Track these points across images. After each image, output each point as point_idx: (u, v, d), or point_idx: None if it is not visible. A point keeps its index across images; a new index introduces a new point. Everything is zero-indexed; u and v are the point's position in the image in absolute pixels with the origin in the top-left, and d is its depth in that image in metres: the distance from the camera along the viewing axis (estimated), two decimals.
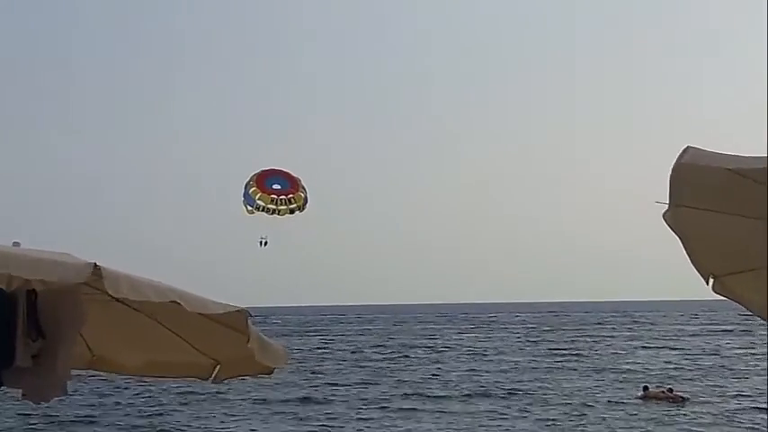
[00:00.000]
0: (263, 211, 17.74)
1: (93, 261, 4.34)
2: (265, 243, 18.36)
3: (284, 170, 18.67)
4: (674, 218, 4.42)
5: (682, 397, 29.29)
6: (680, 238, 4.50)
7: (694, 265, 4.62)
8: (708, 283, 4.73)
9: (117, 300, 4.98)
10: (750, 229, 4.42)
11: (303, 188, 18.26)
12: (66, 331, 5.12)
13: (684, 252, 4.55)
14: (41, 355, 5.03)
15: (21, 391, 5.24)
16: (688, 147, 4.26)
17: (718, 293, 4.83)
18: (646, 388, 30.71)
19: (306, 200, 18.18)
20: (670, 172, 4.26)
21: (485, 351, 54.76)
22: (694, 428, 24.35)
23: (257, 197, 17.74)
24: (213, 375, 5.76)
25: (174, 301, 4.50)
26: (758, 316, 5.06)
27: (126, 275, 4.46)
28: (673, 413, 26.71)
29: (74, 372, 5.42)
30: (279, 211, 17.77)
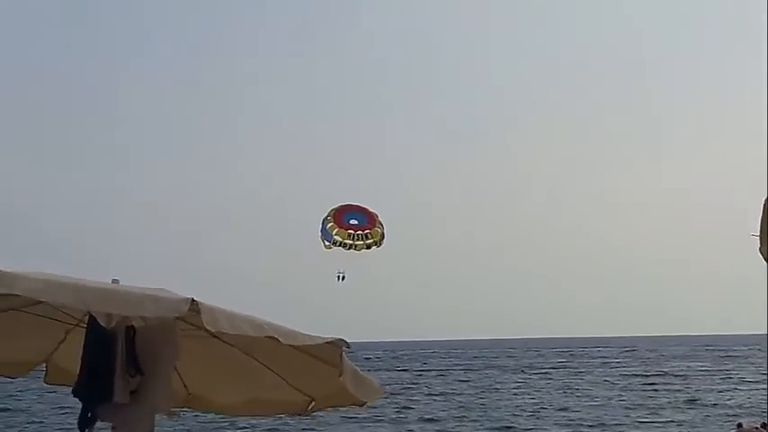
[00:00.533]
0: (340, 246, 17.78)
1: (189, 296, 4.38)
2: (343, 278, 18.44)
3: (362, 206, 18.76)
4: None
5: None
6: None
7: None
8: None
9: (213, 335, 5.01)
10: None
11: (380, 224, 18.30)
12: (163, 366, 5.17)
13: None
14: (138, 391, 5.07)
15: (112, 425, 5.30)
16: None
17: None
18: (740, 425, 29.71)
19: (383, 235, 18.25)
20: (762, 207, 4.18)
21: (577, 386, 53.91)
22: None
23: (334, 232, 17.80)
24: (308, 410, 5.77)
25: (271, 336, 4.50)
26: None
27: (222, 310, 4.48)
28: None
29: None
30: (356, 247, 17.81)
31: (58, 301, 4.60)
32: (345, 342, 4.80)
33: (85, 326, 5.13)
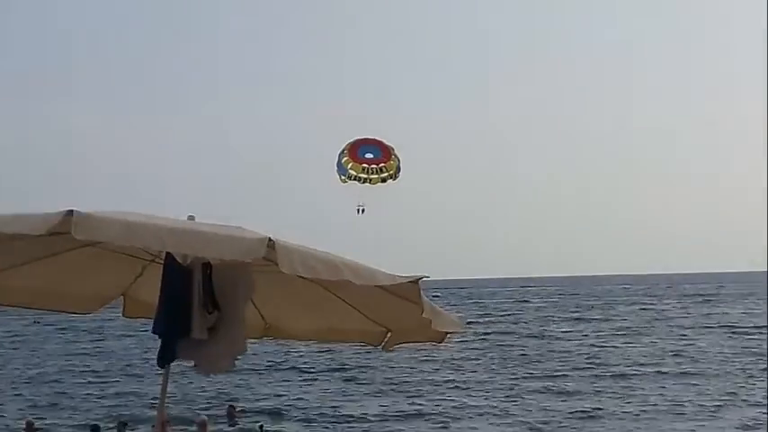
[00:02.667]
0: (354, 180, 17.87)
1: (267, 235, 4.34)
2: (363, 211, 18.45)
3: (377, 139, 18.68)
4: None
5: None
6: None
7: None
8: None
9: None
10: None
11: (396, 157, 18.25)
12: (239, 303, 5.18)
13: None
14: (216, 328, 5.10)
15: (192, 362, 5.36)
16: None
17: None
18: None
19: (399, 168, 18.20)
20: None
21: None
22: None
23: (349, 166, 17.90)
24: (384, 342, 5.77)
25: (347, 280, 4.45)
26: None
27: (298, 250, 4.42)
28: None
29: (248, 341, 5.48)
30: (371, 180, 17.90)
31: (137, 244, 4.61)
32: (424, 276, 4.71)
33: (162, 261, 5.14)
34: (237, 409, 23.04)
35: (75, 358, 39.38)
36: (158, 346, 5.13)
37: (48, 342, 48.75)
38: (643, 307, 73.04)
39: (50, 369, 35.37)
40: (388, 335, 5.70)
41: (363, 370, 32.16)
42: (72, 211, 4.08)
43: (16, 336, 52.59)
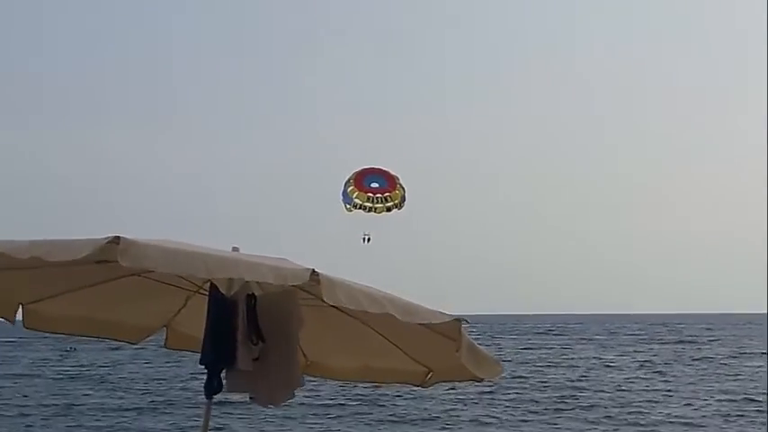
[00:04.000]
0: (359, 209, 17.95)
1: (310, 267, 4.33)
2: (368, 239, 18.60)
3: (383, 168, 18.87)
4: None
5: None
6: None
7: None
8: None
9: (330, 305, 4.96)
10: None
11: (401, 186, 18.38)
12: (286, 335, 5.17)
13: None
14: (261, 359, 5.09)
15: (248, 394, 5.36)
16: None
17: None
18: None
19: (404, 198, 18.33)
20: None
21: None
22: None
23: (354, 195, 18.00)
24: (425, 381, 5.71)
25: (390, 314, 4.43)
26: None
27: (342, 282, 4.41)
28: None
29: None
30: (375, 209, 17.98)
31: (182, 272, 4.62)
32: (465, 320, 4.69)
33: (206, 293, 5.16)
34: None
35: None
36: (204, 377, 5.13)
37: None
38: None
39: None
40: (430, 374, 5.65)
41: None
42: (118, 237, 4.07)
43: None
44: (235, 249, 4.88)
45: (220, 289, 5.01)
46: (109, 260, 4.30)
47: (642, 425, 28.43)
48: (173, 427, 26.97)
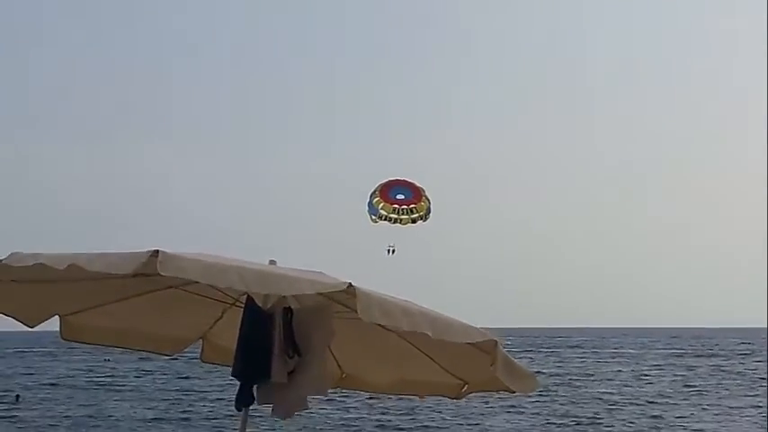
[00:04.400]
0: (385, 220, 18.21)
1: (348, 281, 4.35)
2: (393, 251, 18.82)
3: (408, 180, 19.07)
4: None
5: None
6: None
7: None
8: None
9: None
10: None
11: (427, 198, 18.52)
12: (319, 348, 5.20)
13: None
14: (296, 372, 5.11)
15: (271, 407, 5.37)
16: None
17: None
18: None
19: (429, 210, 18.48)
20: None
21: None
22: None
23: (380, 207, 18.20)
24: (460, 393, 5.73)
25: (424, 333, 4.45)
26: None
27: (378, 298, 4.41)
28: None
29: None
30: (401, 221, 18.22)
31: (220, 284, 4.66)
32: (496, 340, 4.72)
33: (242, 306, 5.20)
34: None
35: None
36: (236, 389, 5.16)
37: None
38: None
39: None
40: (465, 387, 5.67)
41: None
42: (158, 251, 4.17)
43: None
44: (272, 262, 4.92)
45: (257, 302, 5.04)
46: (146, 273, 4.38)
47: None
48: None
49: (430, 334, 4.48)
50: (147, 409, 35.31)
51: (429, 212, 18.43)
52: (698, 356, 73.24)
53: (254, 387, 5.18)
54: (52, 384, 46.68)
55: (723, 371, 57.34)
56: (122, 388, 44.98)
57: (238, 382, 5.18)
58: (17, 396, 44.42)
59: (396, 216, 18.10)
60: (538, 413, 32.46)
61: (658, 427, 30.54)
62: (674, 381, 49.74)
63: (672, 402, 38.14)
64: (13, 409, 36.12)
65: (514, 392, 5.31)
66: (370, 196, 18.51)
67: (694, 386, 46.47)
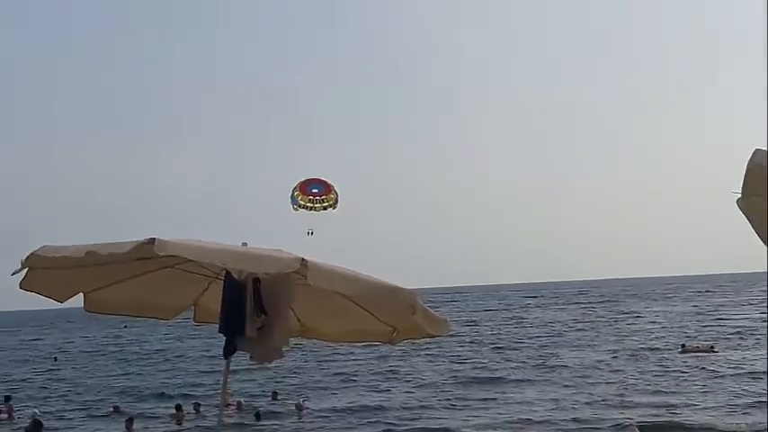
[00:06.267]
0: (303, 209, 22.88)
1: (301, 256, 5.83)
2: (312, 233, 23.04)
3: (321, 178, 23.98)
4: (745, 205, 5.43)
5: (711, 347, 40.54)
6: (749, 221, 5.51)
7: (763, 240, 5.59)
8: None
9: None
10: None
11: (335, 191, 23.28)
12: (281, 309, 6.74)
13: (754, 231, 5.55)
14: (264, 328, 6.64)
15: (249, 354, 6.91)
16: (756, 150, 5.24)
17: None
18: (684, 345, 42.13)
19: (336, 200, 23.16)
20: (745, 169, 5.27)
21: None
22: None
23: (299, 198, 22.95)
24: (391, 338, 7.20)
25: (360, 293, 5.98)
26: None
27: (325, 268, 5.75)
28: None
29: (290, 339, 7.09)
30: (315, 209, 22.96)
31: (205, 261, 6.17)
32: (414, 293, 6.04)
33: (222, 279, 6.76)
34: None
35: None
36: (222, 343, 6.77)
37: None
38: None
39: None
40: (395, 332, 7.15)
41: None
42: (154, 238, 5.58)
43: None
44: (244, 244, 6.42)
45: (234, 275, 6.59)
46: (147, 257, 5.94)
47: None
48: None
49: (363, 294, 5.97)
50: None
51: (337, 202, 23.31)
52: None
53: (235, 340, 6.74)
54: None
55: None
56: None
57: (224, 337, 6.77)
58: (55, 358, 57.82)
59: (311, 205, 22.91)
60: None
61: None
62: None
63: None
64: (53, 369, 48.36)
65: (434, 336, 6.76)
66: (292, 191, 23.21)
67: None
